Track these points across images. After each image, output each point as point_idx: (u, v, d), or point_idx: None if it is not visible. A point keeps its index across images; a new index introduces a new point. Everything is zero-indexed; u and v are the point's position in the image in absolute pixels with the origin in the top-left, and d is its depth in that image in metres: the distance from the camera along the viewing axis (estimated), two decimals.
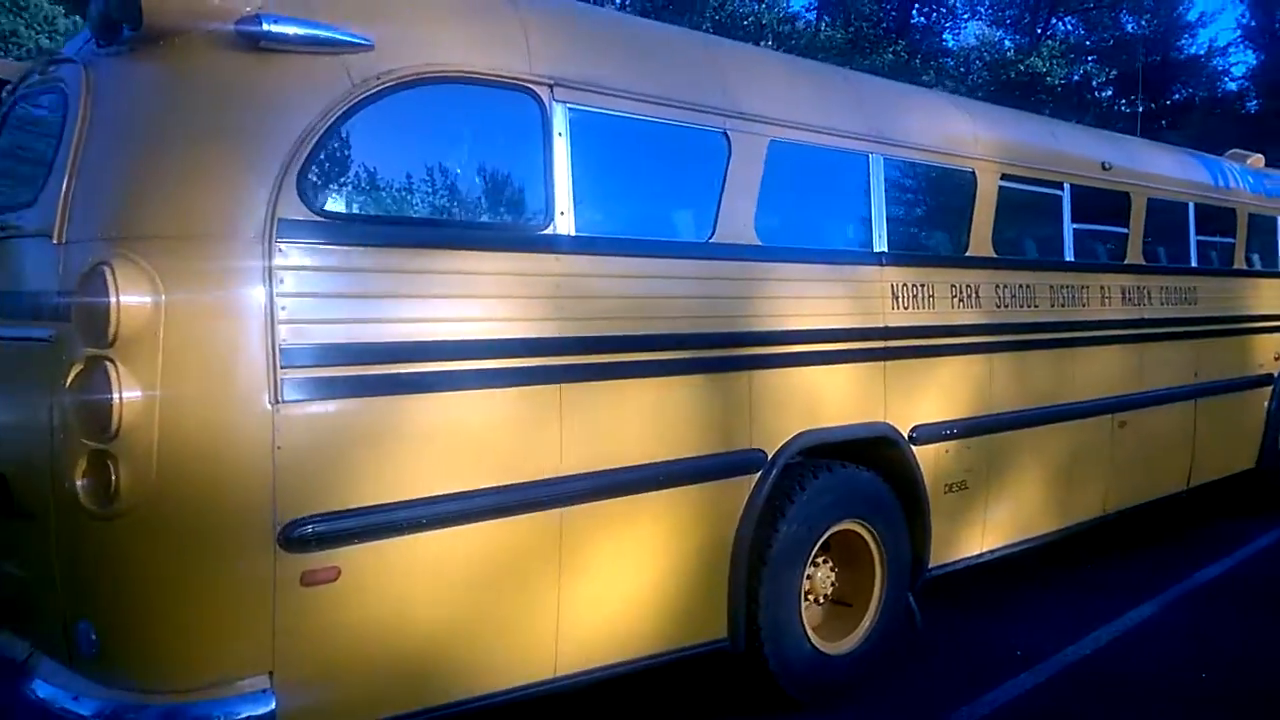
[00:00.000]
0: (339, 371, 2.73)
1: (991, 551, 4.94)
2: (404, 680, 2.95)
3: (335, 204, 2.80)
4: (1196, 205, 6.43)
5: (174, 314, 2.49)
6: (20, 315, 2.95)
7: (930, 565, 4.57)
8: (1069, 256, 5.35)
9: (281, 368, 2.61)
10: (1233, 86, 27.29)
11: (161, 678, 2.60)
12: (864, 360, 4.20)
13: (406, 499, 2.85)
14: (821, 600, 4.23)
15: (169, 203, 2.60)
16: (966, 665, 4.49)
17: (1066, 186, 5.29)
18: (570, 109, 3.25)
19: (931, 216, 4.86)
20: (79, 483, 2.56)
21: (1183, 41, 27.23)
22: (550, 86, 3.20)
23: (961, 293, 4.65)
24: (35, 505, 2.81)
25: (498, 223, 3.15)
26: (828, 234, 4.33)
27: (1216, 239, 6.75)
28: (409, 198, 2.96)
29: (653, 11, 18.50)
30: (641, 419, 3.44)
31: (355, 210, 2.86)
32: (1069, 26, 26.72)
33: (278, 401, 2.61)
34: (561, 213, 3.22)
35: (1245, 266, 7.01)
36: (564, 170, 3.23)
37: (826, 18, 23.85)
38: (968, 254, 4.73)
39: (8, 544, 3.04)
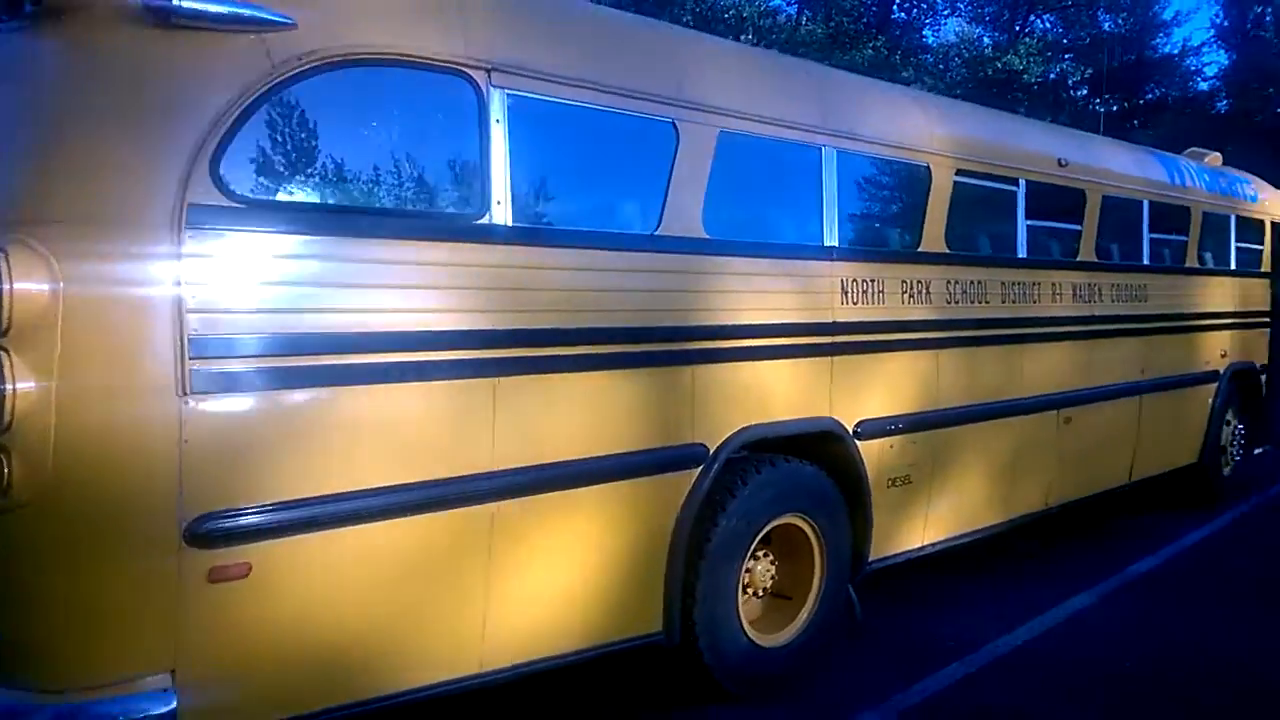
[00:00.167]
0: (253, 364, 2.66)
1: (933, 545, 4.97)
2: (323, 676, 2.89)
3: (252, 190, 2.69)
4: (1151, 203, 6.46)
5: (73, 302, 2.39)
6: None
7: (871, 559, 4.59)
8: (1022, 253, 5.35)
9: (190, 359, 2.53)
10: (1204, 86, 27.51)
11: (59, 677, 2.52)
12: (811, 355, 4.18)
13: (325, 494, 2.78)
14: (761, 593, 4.23)
15: (71, 186, 2.49)
16: (902, 656, 4.53)
17: (1022, 182, 5.29)
18: (509, 95, 3.17)
19: (885, 211, 4.83)
20: None
21: (1157, 40, 27.36)
22: (487, 71, 3.11)
23: (912, 288, 4.64)
24: None
25: (429, 211, 3.06)
26: (778, 228, 4.28)
27: (1170, 237, 6.79)
28: (333, 184, 2.87)
29: (632, 4, 18.24)
30: (580, 413, 3.40)
31: (274, 197, 2.76)
32: (1047, 24, 26.72)
33: (185, 394, 2.53)
34: (498, 202, 3.15)
35: (1198, 265, 7.07)
36: (501, 158, 3.15)
37: (808, 12, 23.66)
38: (920, 249, 4.72)
39: None
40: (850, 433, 4.35)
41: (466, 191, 3.13)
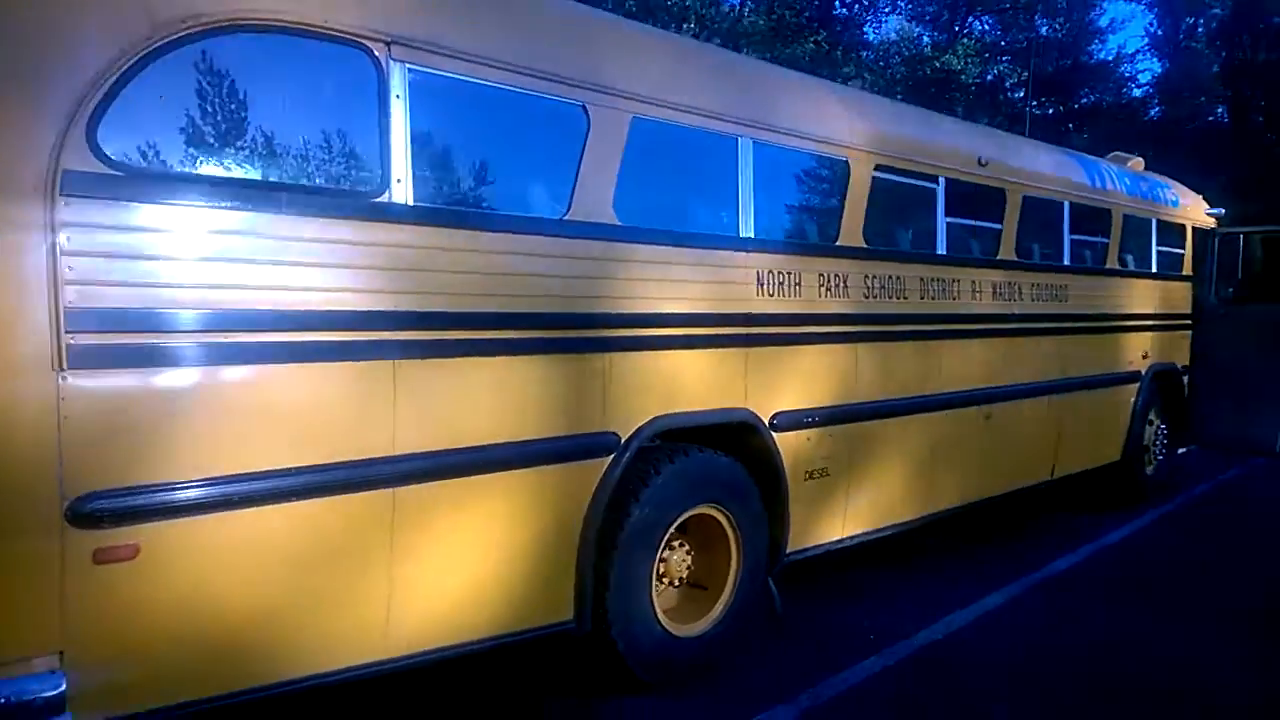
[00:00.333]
0: (136, 339, 2.58)
1: (852, 538, 4.99)
2: (220, 660, 2.83)
3: (132, 157, 2.61)
4: (1072, 204, 6.57)
5: None
6: None
7: (789, 550, 4.59)
8: (941, 250, 5.41)
9: (67, 332, 2.45)
10: (1138, 93, 28.26)
11: None
12: (726, 346, 4.18)
13: (217, 476, 2.72)
14: (677, 583, 4.21)
15: None
16: (820, 648, 4.54)
17: (941, 180, 5.34)
18: (410, 70, 3.11)
19: (803, 204, 4.84)
20: None
21: (1093, 47, 28.06)
22: (387, 44, 3.06)
23: (829, 282, 4.66)
24: None
25: (324, 187, 2.98)
26: (693, 217, 4.27)
27: (1091, 238, 6.91)
28: (220, 155, 2.78)
29: None
30: (485, 399, 3.35)
31: (157, 166, 2.68)
32: (986, 26, 27.28)
33: (62, 368, 2.45)
34: (398, 180, 3.09)
35: (1119, 266, 7.21)
36: (401, 135, 3.09)
37: (750, 3, 23.83)
38: (837, 243, 4.74)
39: None
40: (766, 424, 4.36)
41: (364, 168, 3.07)
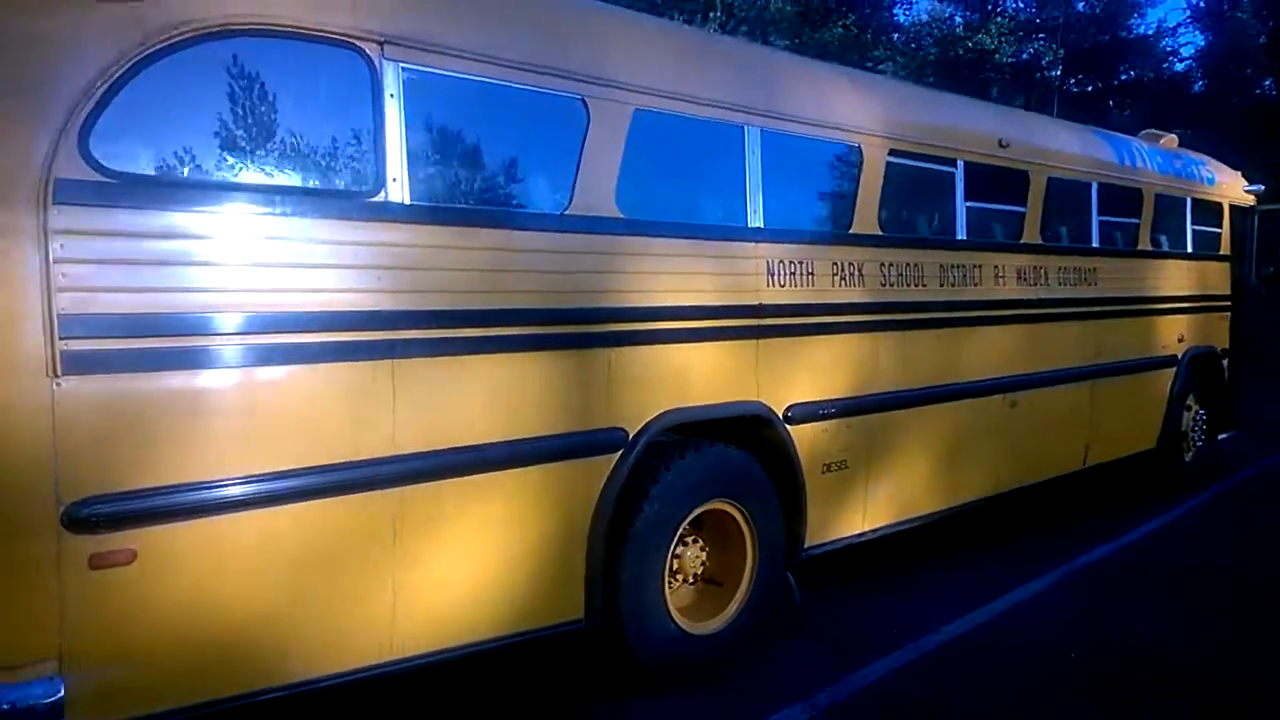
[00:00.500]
0: (131, 344, 2.59)
1: (874, 531, 4.91)
2: (218, 665, 2.83)
3: (126, 164, 2.62)
4: (1100, 185, 6.39)
5: None
6: None
7: (807, 545, 4.53)
8: (961, 235, 5.29)
9: (61, 339, 2.47)
10: (1180, 68, 27.50)
11: None
12: (736, 338, 4.12)
13: (214, 479, 2.74)
14: (692, 580, 4.17)
15: None
16: (842, 643, 4.47)
17: (960, 163, 5.22)
18: (404, 69, 3.10)
19: (814, 192, 4.75)
20: None
21: (1132, 21, 27.35)
22: (380, 44, 3.04)
23: (844, 270, 4.57)
24: None
25: (319, 189, 2.98)
26: (699, 208, 4.21)
27: (1122, 219, 6.73)
28: (215, 160, 2.78)
29: None
30: (488, 396, 3.33)
31: (150, 171, 2.68)
32: (1020, 3, 26.71)
33: (56, 375, 2.47)
34: (394, 179, 3.08)
35: (1151, 247, 7.02)
36: (396, 134, 3.08)
37: None
38: (851, 231, 4.65)
39: None
40: (780, 417, 4.29)
41: (359, 168, 3.06)
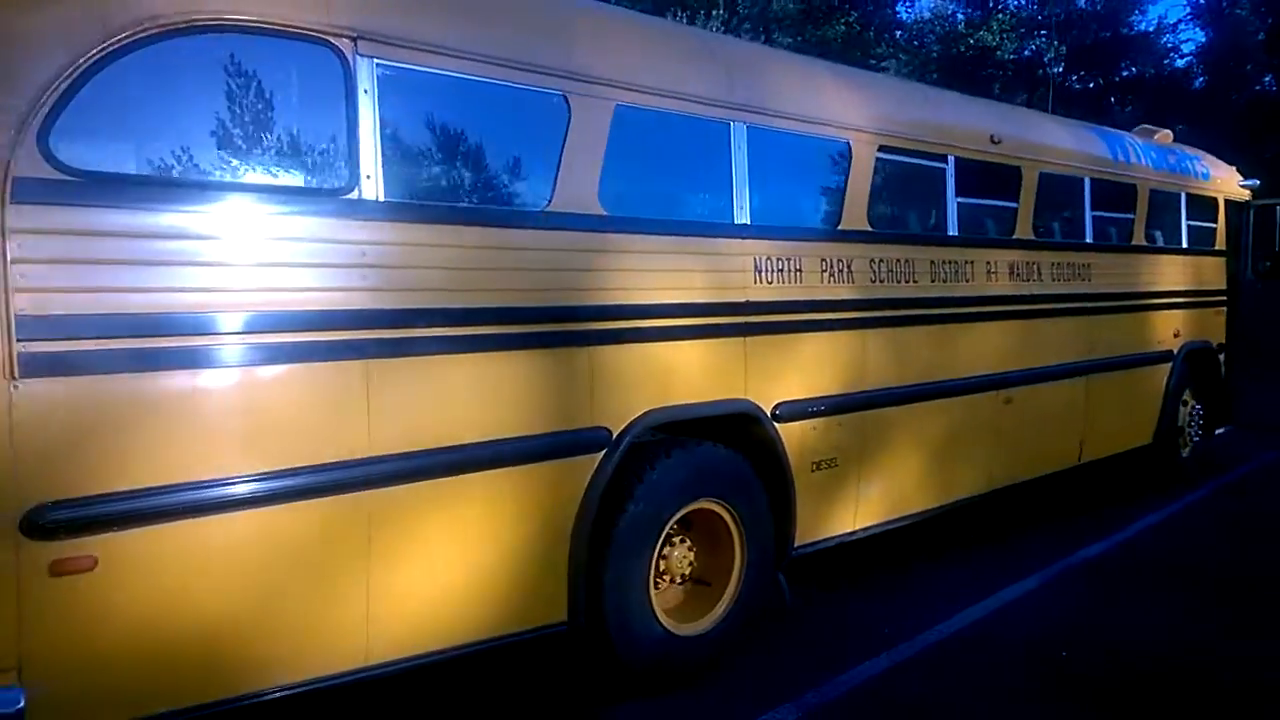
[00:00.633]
0: (93, 345, 2.54)
1: (865, 529, 4.86)
2: (185, 672, 2.79)
3: (88, 162, 2.57)
4: (1093, 180, 6.34)
5: None
6: None
7: (797, 544, 4.48)
8: (952, 231, 5.24)
9: (19, 340, 2.42)
10: (1181, 64, 27.40)
11: None
12: (723, 336, 4.07)
13: (179, 483, 2.68)
14: (680, 580, 4.13)
15: None
16: (832, 643, 4.43)
17: (951, 159, 5.17)
18: (379, 65, 3.05)
19: (802, 188, 4.70)
20: None
21: (1133, 17, 27.26)
22: (354, 39, 3.00)
23: (832, 267, 4.53)
24: None
25: (289, 186, 2.93)
26: (684, 204, 4.18)
27: (1116, 214, 6.67)
28: (182, 157, 2.74)
29: None
30: (466, 397, 3.28)
31: (114, 169, 2.65)
32: (1021, 0, 26.63)
33: (14, 377, 2.42)
34: (368, 176, 3.03)
35: (1145, 243, 6.96)
36: (370, 131, 3.03)
37: None
38: (840, 227, 4.60)
39: None
40: (768, 415, 4.25)
41: (332, 165, 3.01)
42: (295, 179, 2.97)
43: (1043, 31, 25.42)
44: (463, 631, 3.36)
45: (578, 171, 3.58)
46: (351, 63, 3.00)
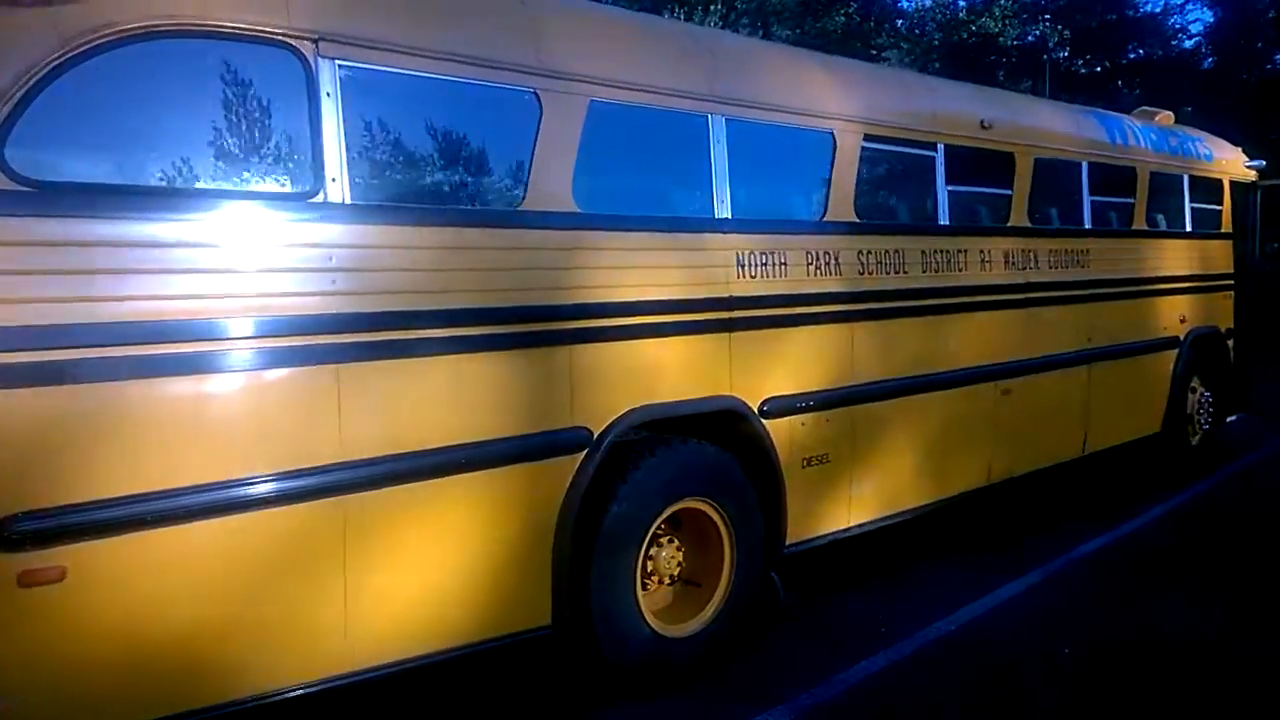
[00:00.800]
0: (53, 355, 2.51)
1: (860, 526, 4.79)
2: (158, 682, 2.76)
3: (45, 172, 2.55)
4: (1091, 164, 6.24)
5: None
6: None
7: (789, 542, 4.42)
8: (944, 220, 5.16)
9: None
10: (1189, 44, 27.04)
11: None
12: (705, 332, 4.02)
13: (149, 491, 2.65)
14: (669, 580, 4.08)
15: None
16: (826, 643, 4.37)
17: (940, 146, 5.09)
18: (341, 66, 3.02)
19: (785, 180, 4.63)
20: None
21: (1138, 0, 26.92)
22: (315, 41, 2.96)
23: (818, 259, 4.46)
24: None
25: (251, 190, 2.90)
26: (663, 199, 4.11)
27: (1115, 199, 6.57)
28: (142, 165, 2.72)
29: None
30: (441, 399, 3.24)
31: (72, 178, 2.62)
32: None
33: None
34: (333, 179, 3.00)
35: (1147, 227, 6.85)
36: (334, 133, 3.00)
37: None
38: (825, 219, 4.53)
39: None
40: (755, 411, 4.19)
41: (296, 169, 2.98)
42: (258, 184, 2.93)
43: (1046, 16, 25.14)
44: (444, 637, 3.32)
45: (551, 169, 3.53)
46: (313, 65, 2.96)
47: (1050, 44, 24.57)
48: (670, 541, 4.06)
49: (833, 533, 4.67)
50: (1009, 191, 5.59)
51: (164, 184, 2.75)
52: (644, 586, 3.93)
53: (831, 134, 4.52)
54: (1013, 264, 5.57)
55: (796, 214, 4.57)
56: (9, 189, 2.48)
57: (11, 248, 2.48)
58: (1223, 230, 7.71)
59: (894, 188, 5.15)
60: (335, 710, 3.66)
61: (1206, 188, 7.52)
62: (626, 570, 3.78)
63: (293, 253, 2.91)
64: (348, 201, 3.03)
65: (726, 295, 4.07)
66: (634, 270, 3.76)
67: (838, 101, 4.58)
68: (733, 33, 4.75)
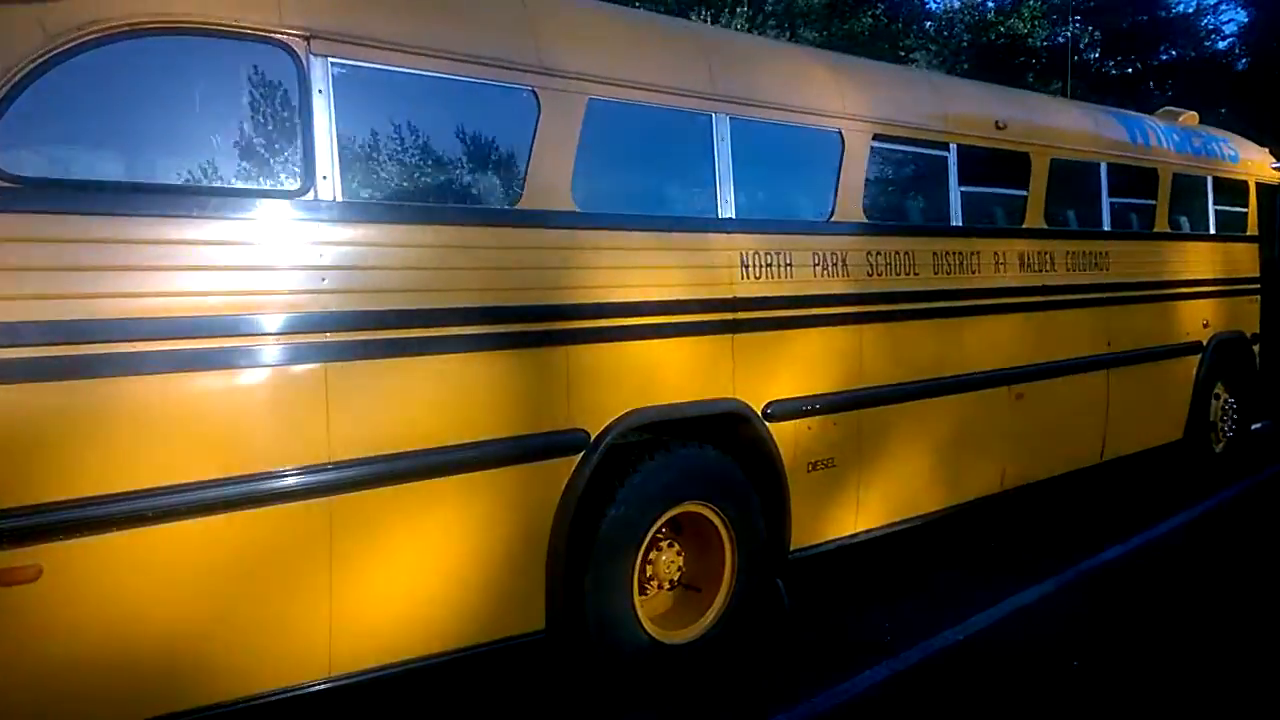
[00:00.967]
0: (33, 352, 2.49)
1: (867, 532, 4.70)
2: (136, 685, 2.73)
3: (30, 168, 2.54)
4: (1110, 165, 6.11)
5: None
6: None
7: (793, 548, 4.35)
8: (956, 221, 5.06)
9: None
10: (1222, 45, 26.59)
11: None
12: (708, 333, 3.96)
13: (125, 490, 2.63)
14: (669, 585, 4.02)
15: None
16: (828, 654, 4.27)
17: (953, 147, 5.00)
18: (333, 63, 2.99)
19: (791, 180, 4.55)
20: None
21: (1170, 1, 26.51)
22: (306, 39, 2.93)
23: (825, 260, 4.38)
24: None
25: (240, 188, 2.87)
26: (664, 199, 4.06)
27: (1136, 200, 6.44)
28: (130, 161, 2.71)
29: None
30: (433, 400, 3.21)
31: (60, 175, 2.61)
32: None
33: None
34: (324, 177, 2.97)
35: (1169, 229, 6.70)
36: (325, 131, 2.97)
37: None
38: (833, 219, 4.46)
39: None
40: (759, 414, 4.12)
41: (287, 167, 2.95)
42: (248, 181, 2.91)
43: (1077, 17, 24.81)
44: (433, 641, 3.27)
45: (549, 168, 3.49)
46: (305, 62, 2.94)
47: (1081, 45, 24.26)
48: (670, 545, 4.00)
49: (839, 539, 4.58)
50: (1024, 192, 5.49)
51: (151, 181, 2.73)
52: (643, 591, 3.88)
53: (839, 133, 4.45)
54: (1028, 266, 5.47)
55: (803, 214, 4.50)
56: None
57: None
58: (1248, 233, 7.53)
59: (905, 188, 5.06)
60: (335, 710, 3.64)
61: (1231, 189, 7.35)
62: (623, 575, 3.73)
63: (282, 250, 2.89)
64: (339, 199, 3.00)
65: (730, 296, 4.01)
66: (634, 270, 3.71)
67: (845, 101, 4.50)
68: (738, 32, 4.65)
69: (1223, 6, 29.94)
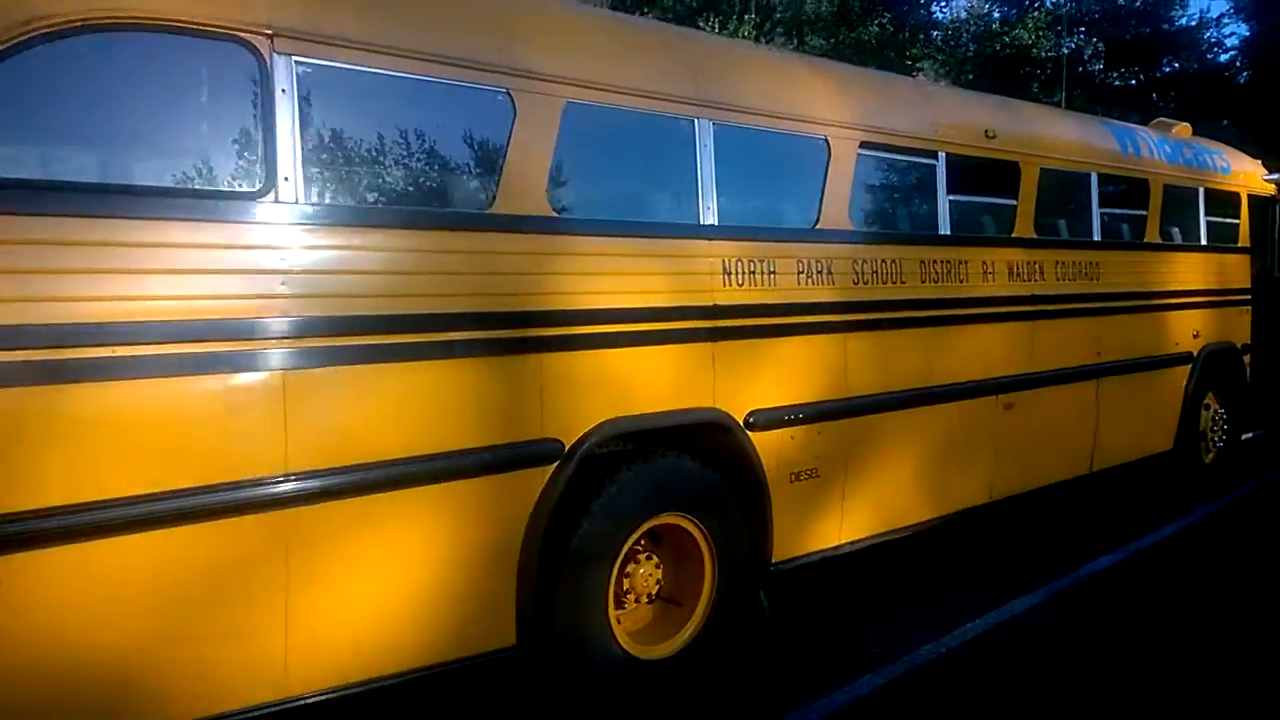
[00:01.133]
0: None
1: (852, 544, 4.62)
2: (85, 704, 2.64)
3: None
4: (1101, 175, 6.05)
5: None
6: None
7: (776, 560, 4.27)
8: (945, 230, 4.99)
9: None
10: (1224, 58, 26.61)
11: None
12: (687, 341, 3.88)
13: (77, 503, 2.54)
14: (648, 599, 3.94)
15: None
16: (814, 665, 4.20)
17: (941, 155, 4.93)
18: (298, 62, 2.91)
19: (776, 187, 4.47)
20: None
21: (1174, 12, 26.53)
22: (270, 36, 2.85)
23: (809, 268, 4.31)
24: None
25: (198, 189, 2.79)
26: (645, 205, 3.98)
27: (1127, 211, 6.38)
28: (81, 162, 2.63)
29: None
30: (398, 409, 3.11)
31: (8, 175, 2.51)
32: None
33: None
34: (285, 179, 2.89)
35: (1160, 240, 6.64)
36: (288, 131, 2.89)
37: None
38: (818, 227, 4.38)
39: None
40: (740, 424, 4.04)
41: (248, 168, 2.87)
42: (207, 182, 2.83)
43: (1081, 29, 24.83)
44: (399, 659, 3.18)
45: (524, 172, 3.41)
46: (268, 61, 2.86)
47: (1085, 56, 24.28)
48: (649, 558, 3.92)
49: (823, 550, 4.50)
50: (1014, 202, 5.42)
51: (106, 182, 2.65)
52: (620, 605, 3.80)
53: (825, 140, 4.38)
54: (1017, 276, 5.40)
55: (787, 222, 4.43)
56: None
57: None
58: (1240, 244, 7.48)
59: (893, 196, 4.99)
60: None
61: (1223, 201, 7.30)
62: (597, 589, 3.64)
63: (240, 254, 2.81)
64: (301, 202, 2.92)
65: (711, 304, 3.93)
66: (611, 277, 3.63)
67: (832, 108, 4.44)
68: (722, 37, 4.59)
69: (1225, 20, 29.96)
